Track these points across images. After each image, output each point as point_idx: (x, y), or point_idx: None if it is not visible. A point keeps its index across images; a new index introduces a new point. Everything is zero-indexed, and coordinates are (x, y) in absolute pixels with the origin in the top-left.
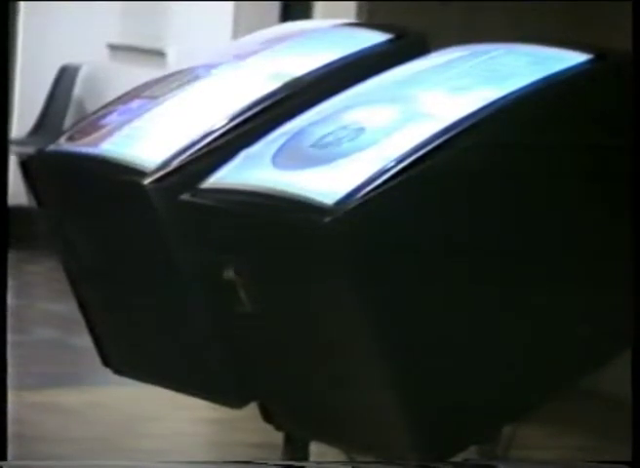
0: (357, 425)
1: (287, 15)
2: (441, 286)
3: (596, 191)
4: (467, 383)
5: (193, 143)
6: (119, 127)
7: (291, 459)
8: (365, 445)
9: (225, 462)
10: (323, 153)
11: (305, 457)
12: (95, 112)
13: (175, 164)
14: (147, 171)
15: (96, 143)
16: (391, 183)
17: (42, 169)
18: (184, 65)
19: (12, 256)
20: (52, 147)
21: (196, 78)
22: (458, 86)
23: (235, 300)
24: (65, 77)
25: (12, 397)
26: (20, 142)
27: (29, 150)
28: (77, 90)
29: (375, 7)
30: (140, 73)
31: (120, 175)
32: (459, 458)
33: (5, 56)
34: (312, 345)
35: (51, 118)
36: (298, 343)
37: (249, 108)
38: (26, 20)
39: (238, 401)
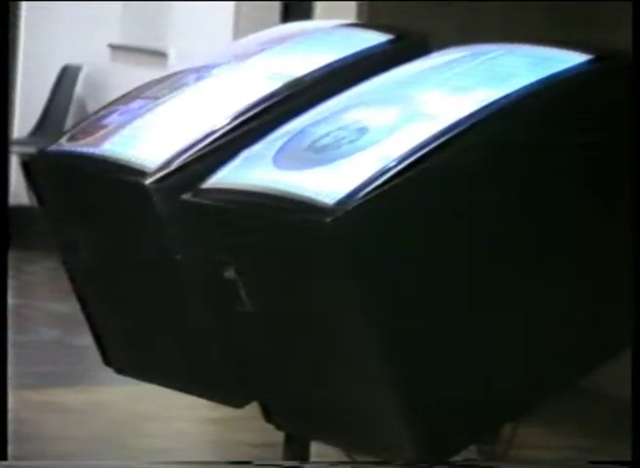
0: (357, 425)
1: (287, 15)
2: (441, 285)
3: (596, 191)
4: (467, 383)
5: (194, 143)
6: (120, 127)
7: (291, 459)
8: (365, 445)
9: (226, 462)
10: (324, 153)
11: (306, 457)
12: (96, 112)
13: (176, 164)
14: (149, 171)
15: (97, 143)
16: (392, 183)
17: (43, 169)
18: (185, 66)
19: (12, 256)
20: (53, 147)
21: (197, 78)
22: (458, 86)
23: (236, 300)
24: (67, 77)
25: (12, 396)
26: (22, 142)
27: (31, 150)
28: (78, 90)
29: (375, 7)
30: (141, 73)
31: (121, 175)
32: (459, 458)
33: (6, 56)
34: (313, 345)
35: (52, 118)
36: (298, 343)
37: (250, 108)
38: (28, 21)
39: (239, 400)
